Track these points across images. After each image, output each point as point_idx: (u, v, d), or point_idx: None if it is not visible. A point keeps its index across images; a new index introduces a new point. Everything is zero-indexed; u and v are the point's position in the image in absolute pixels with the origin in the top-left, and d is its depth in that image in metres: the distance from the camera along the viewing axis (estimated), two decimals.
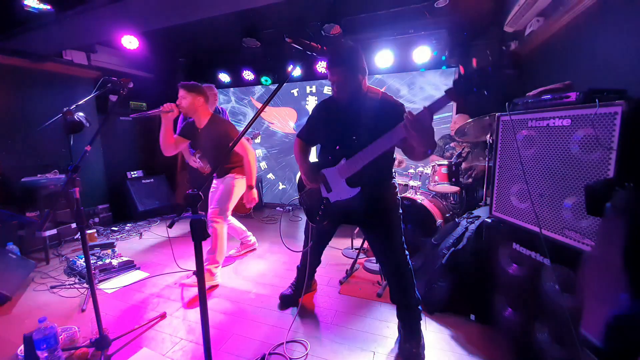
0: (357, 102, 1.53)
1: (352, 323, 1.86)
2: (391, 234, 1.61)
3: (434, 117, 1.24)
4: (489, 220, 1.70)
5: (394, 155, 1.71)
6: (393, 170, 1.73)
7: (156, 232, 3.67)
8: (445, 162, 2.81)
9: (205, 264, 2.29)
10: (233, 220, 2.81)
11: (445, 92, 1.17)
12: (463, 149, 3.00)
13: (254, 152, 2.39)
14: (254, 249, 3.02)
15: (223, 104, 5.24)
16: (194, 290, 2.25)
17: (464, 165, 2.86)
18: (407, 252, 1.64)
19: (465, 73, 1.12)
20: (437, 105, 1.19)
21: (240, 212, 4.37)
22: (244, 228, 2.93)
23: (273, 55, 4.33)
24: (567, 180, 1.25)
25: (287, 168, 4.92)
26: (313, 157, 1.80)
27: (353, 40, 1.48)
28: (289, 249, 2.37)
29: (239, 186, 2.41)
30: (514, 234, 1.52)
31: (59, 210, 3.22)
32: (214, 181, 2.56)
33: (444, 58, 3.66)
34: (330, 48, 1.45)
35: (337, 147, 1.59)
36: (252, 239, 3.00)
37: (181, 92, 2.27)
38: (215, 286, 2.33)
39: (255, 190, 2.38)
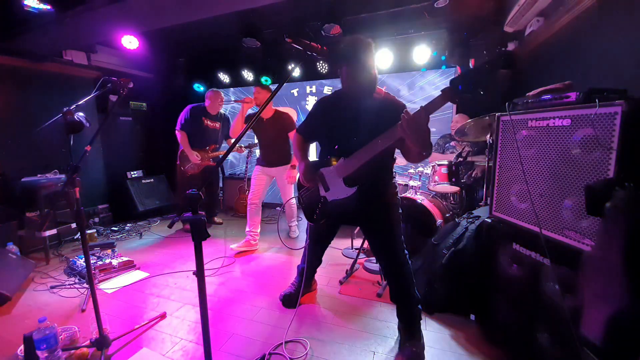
0: (360, 101, 1.52)
1: (352, 323, 1.86)
2: (391, 233, 1.61)
3: (433, 116, 1.24)
4: (489, 220, 1.70)
5: (394, 156, 1.71)
6: (393, 171, 1.73)
7: (156, 232, 3.67)
8: (445, 162, 2.81)
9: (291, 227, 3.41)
10: (259, 212, 3.05)
11: (442, 91, 1.17)
12: (463, 149, 3.00)
13: None
14: (254, 250, 3.03)
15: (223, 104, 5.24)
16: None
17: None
18: (406, 252, 1.64)
19: (461, 73, 1.13)
20: (433, 105, 1.19)
21: (240, 212, 4.37)
22: (258, 225, 3.05)
23: (273, 55, 4.32)
24: (567, 181, 1.25)
25: None
26: (312, 156, 1.80)
27: None
28: (286, 246, 2.35)
29: (295, 175, 3.00)
30: (514, 234, 1.52)
31: (59, 210, 3.21)
32: (260, 167, 3.04)
33: (443, 58, 3.66)
34: (345, 42, 1.44)
35: (336, 147, 1.58)
36: (257, 240, 3.06)
37: (256, 89, 2.90)
38: None
39: (296, 170, 2.89)
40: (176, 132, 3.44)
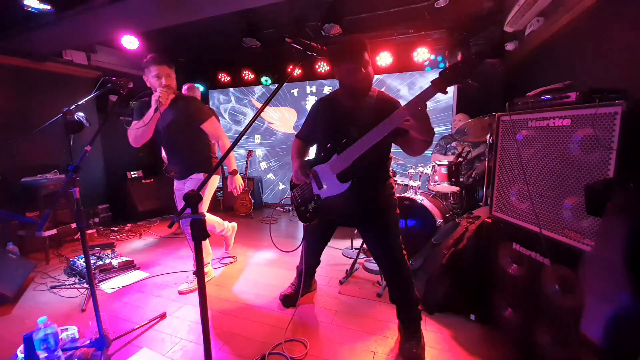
0: (355, 100, 1.52)
1: (352, 323, 1.86)
2: (387, 233, 1.61)
3: (434, 117, 1.25)
4: (489, 220, 1.70)
5: (389, 154, 1.70)
6: (390, 169, 1.72)
7: (156, 232, 3.67)
8: (445, 162, 2.81)
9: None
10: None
11: (432, 82, 1.16)
12: (464, 149, 3.00)
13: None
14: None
15: (223, 104, 5.25)
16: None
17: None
18: (404, 252, 1.64)
19: (450, 65, 1.14)
20: (426, 95, 1.19)
21: (240, 212, 4.37)
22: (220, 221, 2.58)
23: (273, 55, 4.33)
24: (567, 181, 1.25)
25: (287, 168, 4.93)
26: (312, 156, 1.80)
27: None
28: (278, 248, 2.28)
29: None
30: (514, 234, 1.52)
31: (59, 210, 3.21)
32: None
33: (441, 63, 3.67)
34: (338, 42, 1.44)
35: (329, 145, 1.57)
36: (230, 228, 2.72)
37: (159, 68, 2.28)
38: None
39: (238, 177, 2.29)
40: None
